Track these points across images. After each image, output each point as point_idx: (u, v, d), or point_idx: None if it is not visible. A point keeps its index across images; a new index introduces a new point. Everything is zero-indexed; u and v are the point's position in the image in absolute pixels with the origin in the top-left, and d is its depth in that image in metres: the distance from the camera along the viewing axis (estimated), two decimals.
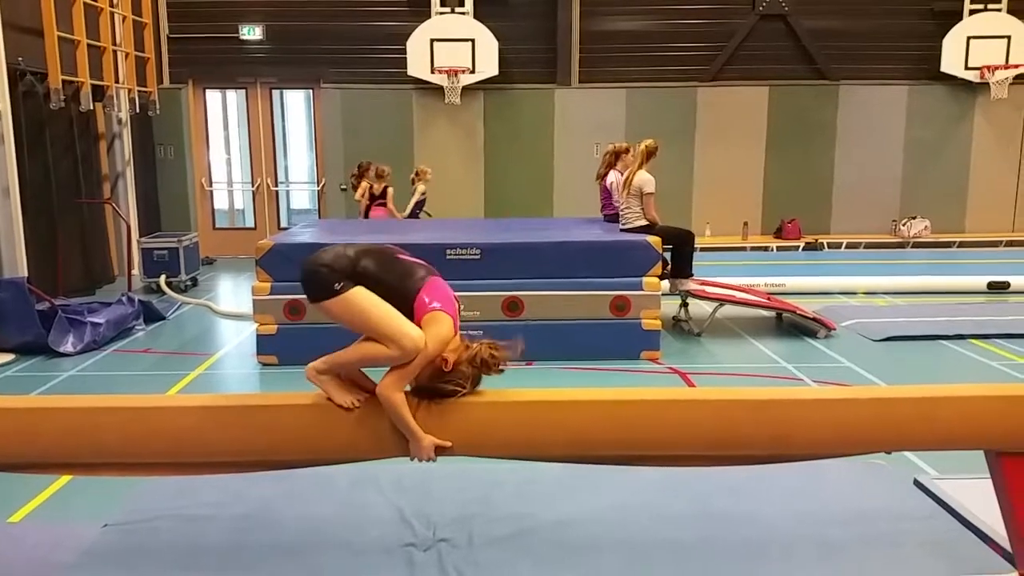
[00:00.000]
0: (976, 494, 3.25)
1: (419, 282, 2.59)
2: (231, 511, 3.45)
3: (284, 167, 12.45)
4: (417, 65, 11.20)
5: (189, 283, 9.54)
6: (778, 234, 12.00)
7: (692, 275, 7.12)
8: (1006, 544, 2.94)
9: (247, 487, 3.56)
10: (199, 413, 2.69)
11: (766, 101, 11.89)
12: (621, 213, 7.12)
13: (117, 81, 9.83)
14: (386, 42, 11.52)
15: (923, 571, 2.94)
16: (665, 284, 6.86)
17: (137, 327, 7.41)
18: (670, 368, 6.18)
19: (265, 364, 6.27)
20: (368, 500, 3.55)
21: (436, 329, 2.52)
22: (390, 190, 9.33)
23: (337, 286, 2.50)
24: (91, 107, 9.14)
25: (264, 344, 6.27)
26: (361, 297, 2.51)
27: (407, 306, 2.55)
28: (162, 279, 9.14)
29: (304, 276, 2.58)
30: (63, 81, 8.46)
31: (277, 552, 3.15)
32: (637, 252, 6.41)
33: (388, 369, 2.53)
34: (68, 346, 6.55)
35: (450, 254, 6.23)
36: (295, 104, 12.42)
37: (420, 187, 9.45)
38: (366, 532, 3.28)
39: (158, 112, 11.06)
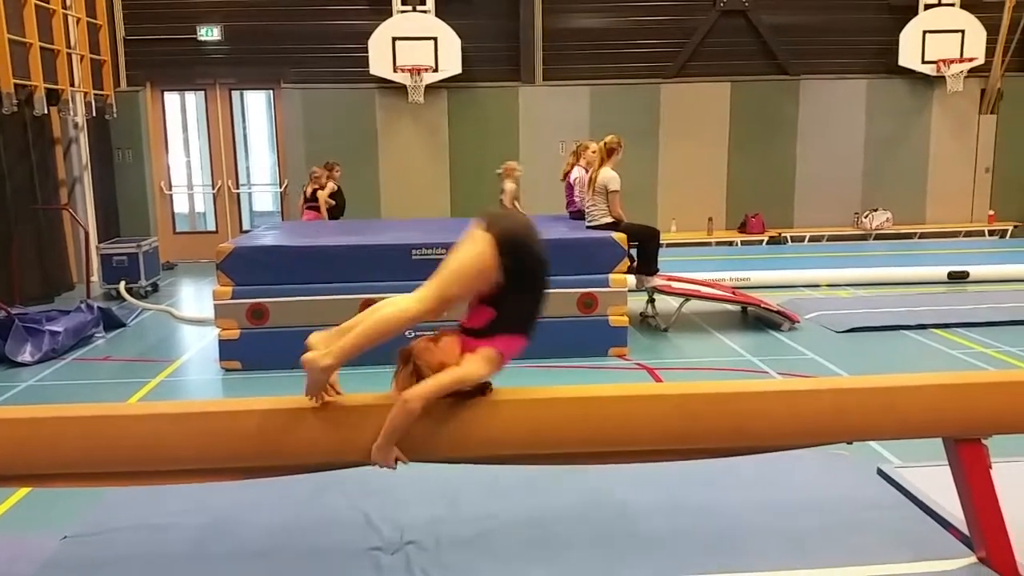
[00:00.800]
0: (939, 481, 3.29)
1: (516, 327, 2.60)
2: (193, 519, 3.40)
3: (245, 169, 12.32)
4: (379, 64, 11.13)
5: (149, 289, 9.39)
6: (742, 229, 12.12)
7: (658, 271, 7.17)
8: (965, 529, 3.00)
9: (209, 495, 3.50)
10: (161, 421, 2.65)
11: (728, 97, 12.00)
12: (587, 210, 7.14)
13: (72, 84, 9.65)
14: (347, 41, 11.45)
15: (886, 558, 2.98)
16: (631, 280, 6.90)
17: (97, 335, 7.28)
18: (638, 364, 6.21)
19: (228, 369, 6.19)
20: (332, 505, 3.51)
21: (482, 364, 2.53)
22: (321, 193, 9.33)
23: (503, 259, 2.51)
24: (46, 111, 8.96)
25: (227, 349, 6.19)
26: (486, 279, 2.52)
27: (490, 326, 2.56)
28: (122, 285, 8.98)
29: (513, 226, 2.61)
30: (15, 85, 8.28)
31: (241, 559, 3.11)
32: (603, 249, 6.43)
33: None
34: (26, 355, 6.42)
35: (416, 254, 6.19)
36: (255, 105, 12.30)
37: (509, 184, 9.09)
38: (331, 537, 3.25)
39: (115, 115, 10.88)
